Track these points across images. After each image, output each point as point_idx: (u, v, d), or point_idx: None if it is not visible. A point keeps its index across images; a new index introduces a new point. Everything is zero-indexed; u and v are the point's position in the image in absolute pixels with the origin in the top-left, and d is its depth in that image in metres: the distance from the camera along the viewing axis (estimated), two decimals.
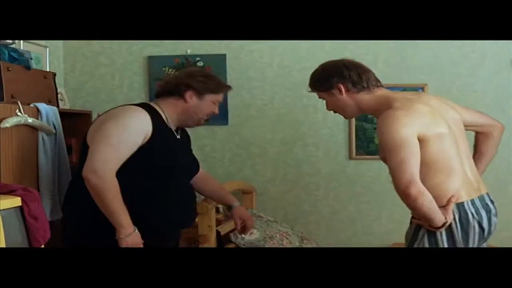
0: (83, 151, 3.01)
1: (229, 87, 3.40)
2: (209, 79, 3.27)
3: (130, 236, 2.85)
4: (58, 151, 3.58)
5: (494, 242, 4.08)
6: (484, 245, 2.88)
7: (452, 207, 2.65)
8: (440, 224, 2.62)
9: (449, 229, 2.67)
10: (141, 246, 2.88)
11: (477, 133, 3.05)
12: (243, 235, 4.06)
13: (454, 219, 2.66)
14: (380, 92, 2.86)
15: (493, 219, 2.80)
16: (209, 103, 3.26)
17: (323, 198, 4.98)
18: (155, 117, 3.09)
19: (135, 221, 2.88)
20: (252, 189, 4.87)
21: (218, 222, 3.95)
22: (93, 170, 2.81)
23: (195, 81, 3.21)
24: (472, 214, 2.69)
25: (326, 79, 2.89)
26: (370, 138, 4.75)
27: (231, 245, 4.08)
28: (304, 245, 4.42)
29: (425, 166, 2.60)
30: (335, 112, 2.96)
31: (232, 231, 4.18)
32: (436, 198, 2.61)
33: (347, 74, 2.83)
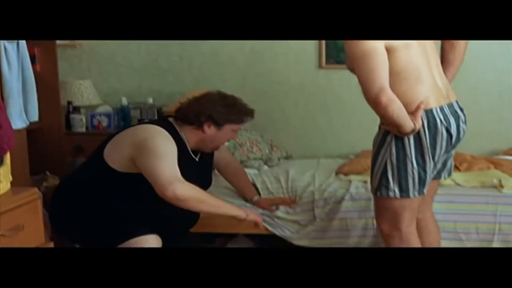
0: (96, 162, 3.07)
1: (251, 116, 3.29)
2: (231, 107, 3.20)
3: (250, 214, 3.14)
4: (22, 60, 3.49)
5: (462, 150, 4.14)
6: (453, 152, 2.91)
7: (420, 113, 2.64)
8: (409, 130, 2.62)
9: (417, 134, 2.69)
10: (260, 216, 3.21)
11: (442, 42, 3.02)
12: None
13: (423, 125, 2.67)
14: None
15: (462, 125, 2.82)
16: (228, 132, 3.24)
17: (292, 107, 4.96)
18: (178, 140, 3.07)
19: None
20: None
21: None
22: (171, 189, 2.80)
23: (216, 112, 3.14)
24: (441, 120, 2.70)
25: None
26: (340, 47, 4.69)
27: None
28: (274, 153, 4.43)
29: (394, 75, 2.58)
30: None
31: None
32: (405, 105, 2.60)
33: None
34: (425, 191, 2.81)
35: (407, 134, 2.65)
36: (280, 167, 4.29)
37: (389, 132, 2.72)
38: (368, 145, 4.56)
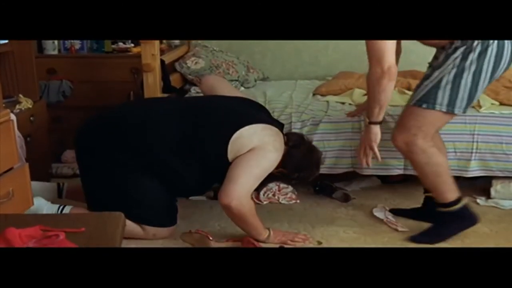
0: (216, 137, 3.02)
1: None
2: (309, 173, 3.30)
3: (269, 237, 3.08)
4: None
5: None
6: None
7: None
8: None
9: (484, 55, 2.78)
10: (283, 236, 3.12)
11: None
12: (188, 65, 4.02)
13: (492, 45, 2.77)
14: None
15: None
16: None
17: None
18: None
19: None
20: None
21: (162, 52, 3.85)
22: (237, 198, 2.91)
23: (304, 174, 3.28)
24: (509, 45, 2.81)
25: None
26: None
27: (176, 74, 4.02)
28: (250, 75, 4.38)
29: None
30: None
31: (176, 60, 4.10)
32: None
33: None
34: (467, 109, 2.92)
35: None
36: (257, 88, 4.26)
37: (455, 52, 2.81)
38: (346, 67, 4.57)
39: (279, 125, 3.24)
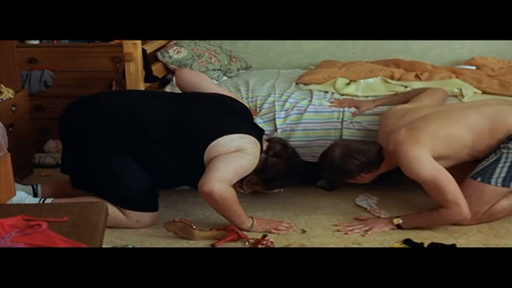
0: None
1: None
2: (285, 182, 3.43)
3: (252, 225, 3.13)
4: None
5: (424, 59, 4.14)
6: None
7: None
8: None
9: None
10: (267, 225, 3.17)
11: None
12: (170, 53, 4.01)
13: None
14: None
15: None
16: None
17: None
18: None
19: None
20: None
21: (144, 41, 3.82)
22: (219, 183, 2.99)
23: (280, 182, 3.42)
24: None
25: None
26: None
27: (158, 64, 4.00)
28: (233, 64, 4.36)
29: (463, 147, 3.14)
30: None
31: (158, 49, 4.08)
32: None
33: None
34: None
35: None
36: (239, 77, 4.23)
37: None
38: (329, 56, 4.57)
39: (258, 133, 3.30)
